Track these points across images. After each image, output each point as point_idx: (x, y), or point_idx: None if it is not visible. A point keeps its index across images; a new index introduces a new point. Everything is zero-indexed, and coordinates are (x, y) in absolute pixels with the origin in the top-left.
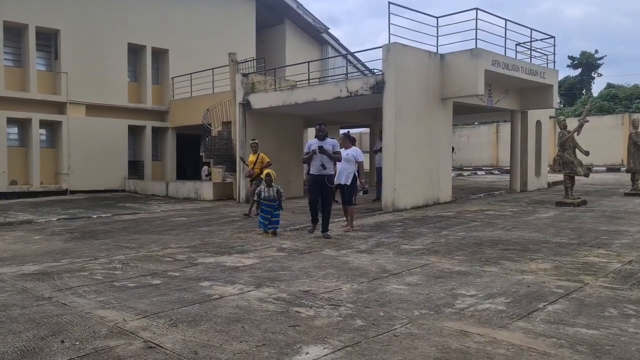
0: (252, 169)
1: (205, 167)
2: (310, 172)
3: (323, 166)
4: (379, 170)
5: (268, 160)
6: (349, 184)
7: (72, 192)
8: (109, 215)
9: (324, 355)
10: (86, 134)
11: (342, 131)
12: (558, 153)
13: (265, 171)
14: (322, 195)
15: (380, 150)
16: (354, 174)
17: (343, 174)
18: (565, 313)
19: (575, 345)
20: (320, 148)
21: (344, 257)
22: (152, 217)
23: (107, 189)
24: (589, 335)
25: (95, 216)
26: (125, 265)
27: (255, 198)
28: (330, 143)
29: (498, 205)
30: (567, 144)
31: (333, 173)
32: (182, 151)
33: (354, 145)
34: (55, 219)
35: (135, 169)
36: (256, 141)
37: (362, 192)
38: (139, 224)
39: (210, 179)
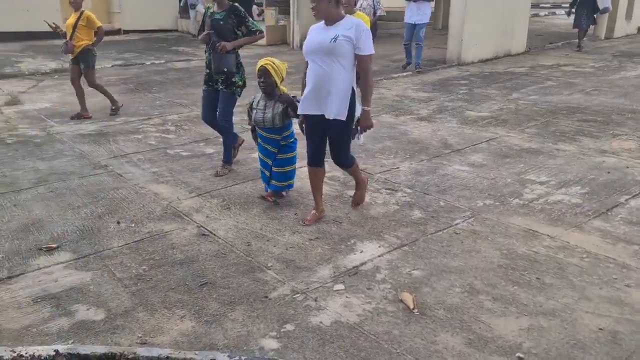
0: (71, 39)
1: (254, 7)
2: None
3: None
4: (410, 27)
5: (99, 24)
6: (341, 117)
7: (125, 32)
8: (162, 61)
9: (378, 255)
10: None
11: None
12: None
13: (262, 62)
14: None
15: None
16: (351, 90)
17: (322, 90)
18: None
19: None
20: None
21: (402, 125)
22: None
23: (160, 28)
24: None
25: (148, 62)
26: (179, 128)
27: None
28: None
29: (577, 59)
30: None
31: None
32: None
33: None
34: (110, 65)
35: (185, 8)
36: None
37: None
38: (192, 74)
39: (262, 21)
